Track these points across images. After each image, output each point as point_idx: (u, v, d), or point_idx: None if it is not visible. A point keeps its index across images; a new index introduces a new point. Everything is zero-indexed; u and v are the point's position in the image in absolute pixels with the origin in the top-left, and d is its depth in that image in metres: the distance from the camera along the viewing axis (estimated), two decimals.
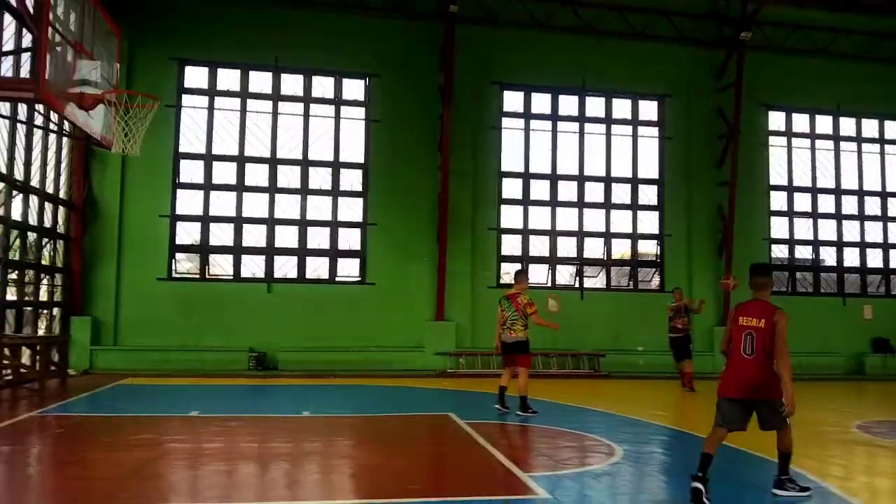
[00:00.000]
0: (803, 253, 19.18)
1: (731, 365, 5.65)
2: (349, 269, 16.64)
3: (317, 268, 16.52)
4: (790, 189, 18.98)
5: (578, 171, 17.99)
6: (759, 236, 18.40)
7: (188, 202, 16.12)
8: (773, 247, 18.79)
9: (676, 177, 18.19)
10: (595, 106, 18.25)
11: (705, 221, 18.05)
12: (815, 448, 7.76)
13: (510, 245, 17.53)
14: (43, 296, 13.86)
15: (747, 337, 5.53)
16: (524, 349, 9.80)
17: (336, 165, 16.78)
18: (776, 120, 19.05)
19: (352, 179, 16.85)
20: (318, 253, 16.51)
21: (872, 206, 19.52)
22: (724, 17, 17.67)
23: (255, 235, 16.32)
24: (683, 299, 14.01)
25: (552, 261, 17.70)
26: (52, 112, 12.10)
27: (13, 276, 12.61)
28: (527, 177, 17.70)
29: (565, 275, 17.92)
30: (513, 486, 6.05)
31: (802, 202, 19.09)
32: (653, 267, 18.32)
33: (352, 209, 16.78)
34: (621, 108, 18.42)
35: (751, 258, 18.03)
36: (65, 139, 14.37)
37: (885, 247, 19.44)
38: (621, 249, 18.34)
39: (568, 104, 18.08)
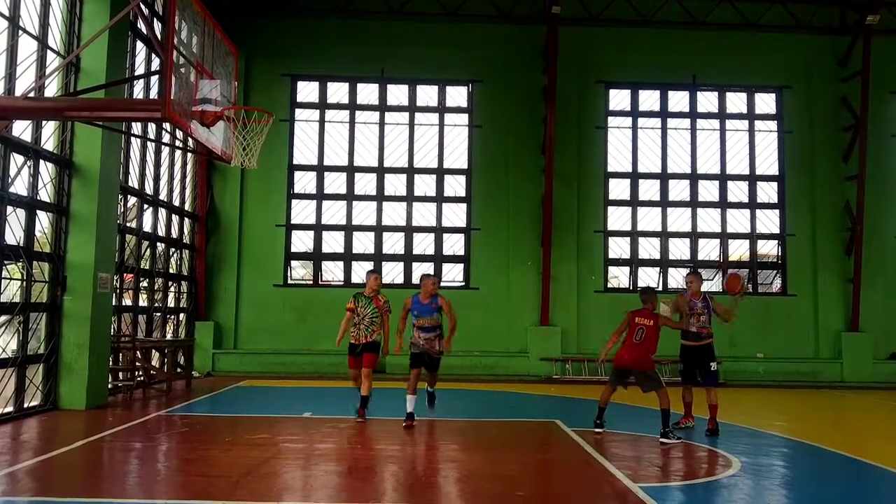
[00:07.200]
0: None
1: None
2: (454, 274, 16.78)
3: (422, 273, 16.74)
4: None
5: (690, 168, 17.30)
6: (892, 234, 16.98)
7: (302, 211, 16.81)
8: None
9: (798, 172, 17.10)
10: (707, 101, 17.52)
11: (831, 219, 16.83)
12: None
13: (618, 248, 17.08)
14: (170, 302, 14.81)
15: (639, 330, 8.38)
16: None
17: (440, 172, 16.99)
18: None
19: (455, 185, 17.00)
20: (424, 259, 16.77)
21: None
22: (847, 1, 16.50)
23: (364, 242, 16.78)
24: None
25: (663, 263, 17.11)
26: (177, 130, 12.99)
27: (144, 283, 13.58)
28: (635, 176, 17.20)
29: (678, 278, 17.25)
30: (622, 496, 5.89)
31: None
32: (774, 269, 17.33)
33: (456, 214, 16.93)
34: (735, 101, 17.58)
35: (883, 258, 16.78)
36: (189, 155, 15.34)
37: None
38: (739, 251, 17.45)
39: (677, 100, 17.46)
